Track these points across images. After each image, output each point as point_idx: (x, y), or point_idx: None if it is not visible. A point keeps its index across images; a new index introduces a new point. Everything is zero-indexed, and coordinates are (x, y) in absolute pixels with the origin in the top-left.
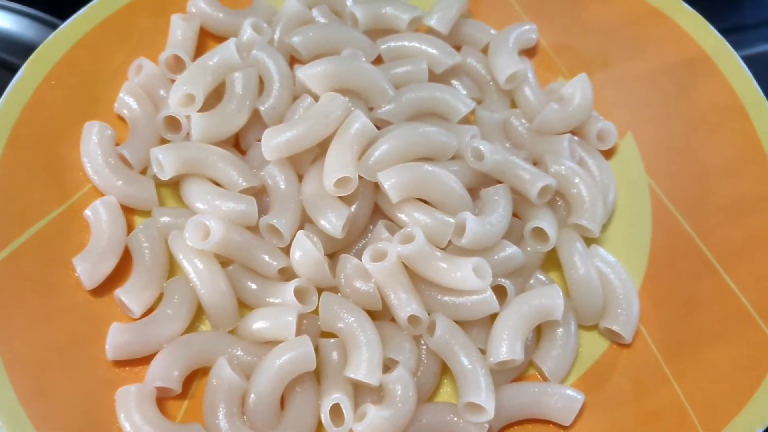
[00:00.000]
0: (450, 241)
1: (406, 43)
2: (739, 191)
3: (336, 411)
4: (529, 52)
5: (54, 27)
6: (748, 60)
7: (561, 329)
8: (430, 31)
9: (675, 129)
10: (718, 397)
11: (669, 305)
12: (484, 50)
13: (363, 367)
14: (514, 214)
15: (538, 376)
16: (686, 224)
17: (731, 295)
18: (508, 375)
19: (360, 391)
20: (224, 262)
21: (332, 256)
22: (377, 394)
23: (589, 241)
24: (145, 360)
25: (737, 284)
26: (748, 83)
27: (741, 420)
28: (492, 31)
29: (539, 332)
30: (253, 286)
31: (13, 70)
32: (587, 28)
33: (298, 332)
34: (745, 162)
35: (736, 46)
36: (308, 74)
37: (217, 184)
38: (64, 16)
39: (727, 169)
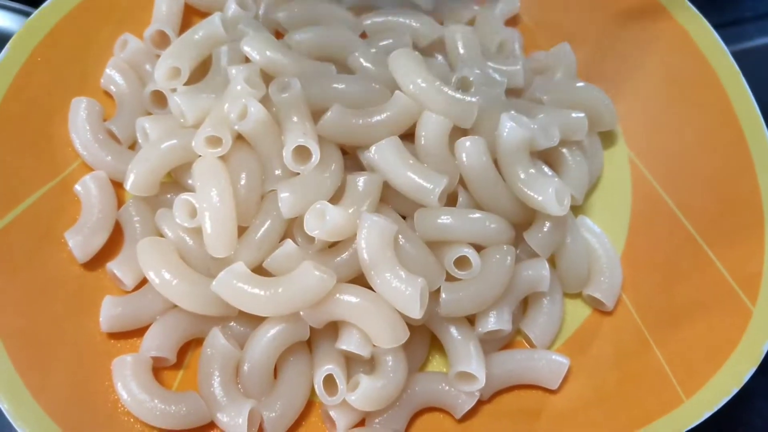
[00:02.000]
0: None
1: (390, 18)
2: (715, 163)
3: (329, 381)
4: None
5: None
6: (747, 53)
7: (547, 298)
8: (414, 6)
9: (654, 103)
10: (695, 360)
11: (649, 273)
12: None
13: (354, 339)
14: None
15: (525, 343)
16: (665, 195)
17: (708, 263)
18: (496, 344)
19: (351, 363)
20: None
21: None
22: (369, 365)
23: (574, 211)
24: (140, 332)
25: (714, 252)
26: (723, 56)
27: (718, 380)
28: (474, 6)
29: (526, 300)
30: None
31: None
32: (568, 4)
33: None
34: (721, 134)
35: (736, 39)
36: (295, 40)
37: None
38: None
39: (704, 142)
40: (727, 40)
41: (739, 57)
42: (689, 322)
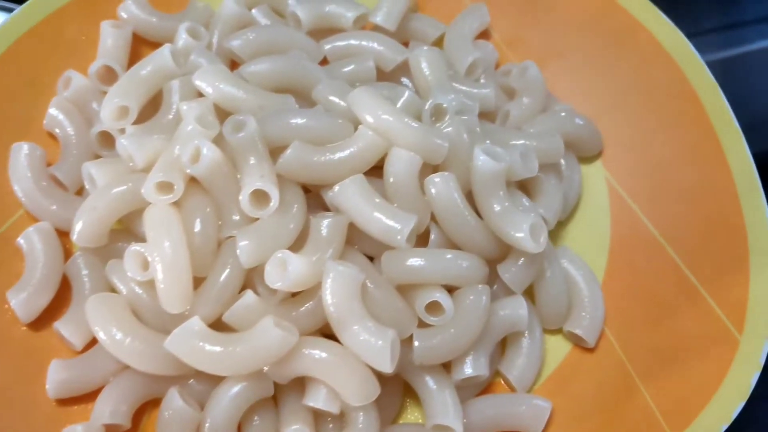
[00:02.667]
0: None
1: (352, 42)
2: (695, 181)
3: None
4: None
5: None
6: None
7: (526, 337)
8: (377, 28)
9: (630, 120)
10: (682, 395)
11: (631, 303)
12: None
13: (322, 395)
14: None
15: (504, 384)
16: (645, 218)
17: (692, 290)
18: (474, 389)
19: (320, 418)
20: None
21: None
22: (338, 420)
23: (553, 237)
24: (91, 396)
25: (698, 279)
26: (701, 72)
27: (706, 416)
28: (440, 26)
29: (504, 339)
30: None
31: None
32: (539, 20)
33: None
34: (700, 151)
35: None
36: (251, 71)
37: None
38: None
39: (683, 159)
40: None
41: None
42: (674, 355)
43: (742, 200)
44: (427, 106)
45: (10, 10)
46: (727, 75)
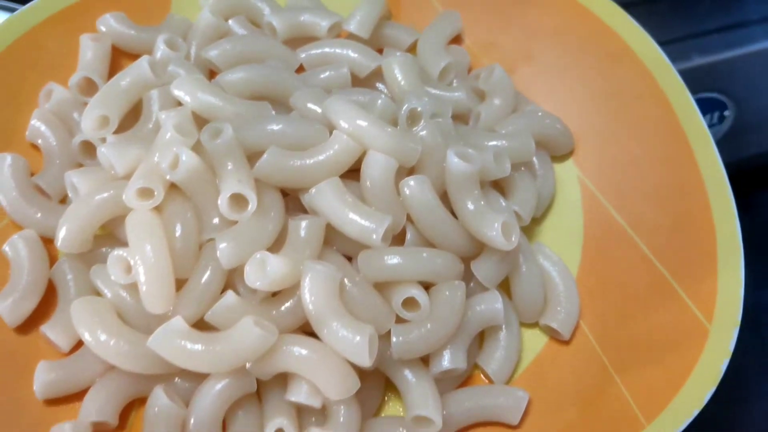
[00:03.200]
0: None
1: (327, 50)
2: (664, 178)
3: None
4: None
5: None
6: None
7: (503, 330)
8: (351, 36)
9: (601, 121)
10: (655, 384)
11: (604, 296)
12: (410, 51)
13: (304, 390)
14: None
15: (483, 377)
16: (616, 214)
17: (664, 284)
18: (453, 381)
19: (303, 413)
20: None
21: None
22: (321, 414)
23: (529, 235)
24: (79, 395)
25: (669, 272)
26: (668, 72)
27: (678, 402)
28: (414, 32)
29: (481, 332)
30: None
31: None
32: (510, 24)
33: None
34: (669, 150)
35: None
36: (227, 80)
37: None
38: None
39: (653, 158)
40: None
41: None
42: (647, 346)
43: (710, 196)
44: (402, 111)
45: (11, 10)
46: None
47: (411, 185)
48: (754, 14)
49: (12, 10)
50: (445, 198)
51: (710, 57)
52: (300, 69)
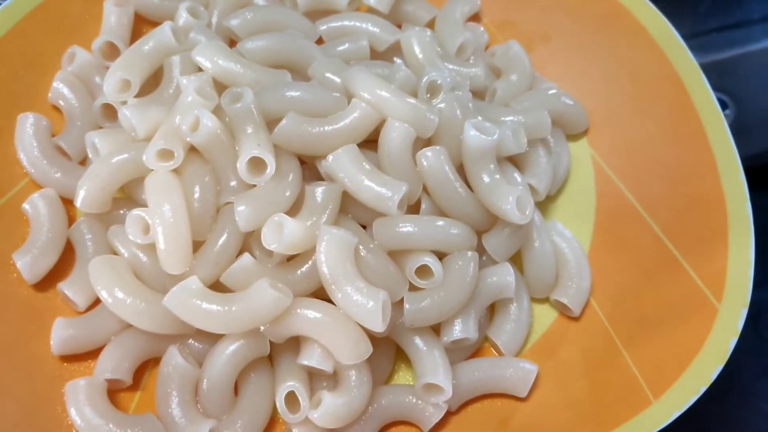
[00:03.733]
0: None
1: (346, 23)
2: (677, 159)
3: (291, 398)
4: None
5: None
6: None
7: (514, 304)
8: (371, 10)
9: (615, 101)
10: (663, 360)
11: (615, 274)
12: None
13: (316, 354)
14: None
15: (493, 349)
16: (629, 194)
17: (674, 262)
18: (463, 352)
19: (315, 378)
20: None
21: None
22: (332, 379)
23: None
24: (94, 353)
25: (679, 251)
26: (682, 54)
27: (685, 379)
28: (433, 9)
29: (493, 306)
30: None
31: None
32: (527, 4)
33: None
34: (682, 131)
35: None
36: (248, 48)
37: None
38: None
39: (665, 138)
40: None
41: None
42: (656, 323)
43: (722, 176)
44: (422, 82)
45: None
46: (731, 74)
47: (428, 156)
48: (755, 14)
49: None
50: (461, 170)
51: (710, 56)
52: (319, 41)
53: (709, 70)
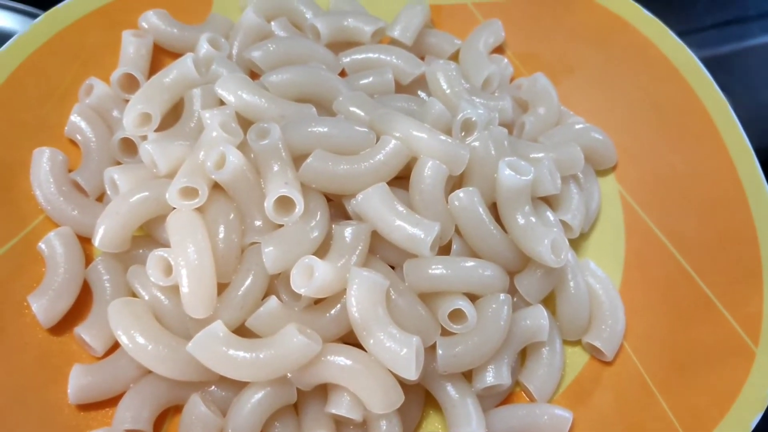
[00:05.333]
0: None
1: (370, 55)
2: (707, 195)
3: None
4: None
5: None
6: (751, 51)
7: (546, 347)
8: (394, 42)
9: (641, 135)
10: (701, 406)
11: (647, 315)
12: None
13: (345, 403)
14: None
15: (524, 394)
16: (658, 231)
17: (708, 303)
18: (495, 399)
19: (341, 426)
20: None
21: None
22: (360, 428)
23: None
24: (112, 401)
25: (713, 291)
26: (709, 87)
27: (725, 426)
28: (456, 41)
29: (523, 350)
30: None
31: None
32: (549, 36)
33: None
34: (710, 165)
35: (739, 37)
36: (272, 81)
37: None
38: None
39: (694, 173)
40: (731, 38)
41: (743, 55)
42: (692, 367)
43: (754, 214)
44: (457, 120)
45: (11, 9)
46: (728, 71)
47: (461, 197)
48: (752, 10)
49: (13, 9)
50: (492, 209)
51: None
52: (342, 74)
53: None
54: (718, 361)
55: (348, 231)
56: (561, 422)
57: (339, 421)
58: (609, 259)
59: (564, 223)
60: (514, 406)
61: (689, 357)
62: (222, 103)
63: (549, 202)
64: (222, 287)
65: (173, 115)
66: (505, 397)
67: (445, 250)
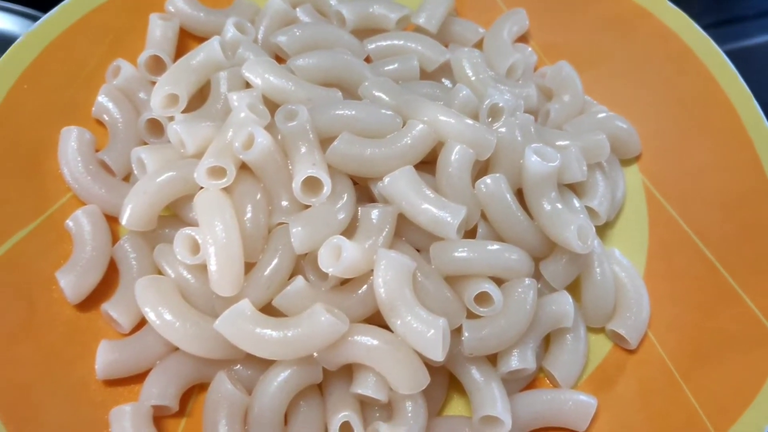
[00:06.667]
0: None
1: (395, 42)
2: (731, 187)
3: (345, 429)
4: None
5: (34, 19)
6: (749, 51)
7: (571, 333)
8: (418, 29)
9: (664, 126)
10: (725, 394)
11: (669, 304)
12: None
13: (371, 383)
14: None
15: (547, 380)
16: (682, 221)
17: (731, 293)
18: (519, 383)
19: (365, 407)
20: None
21: None
22: (385, 410)
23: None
24: (139, 378)
25: (736, 280)
26: (733, 79)
27: (750, 415)
28: (480, 29)
29: (547, 335)
30: None
31: None
32: (573, 27)
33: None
34: (735, 157)
35: (738, 36)
36: (299, 65)
37: None
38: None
39: (718, 165)
40: (729, 38)
41: (741, 54)
42: (716, 355)
43: None
44: (484, 105)
45: (10, 11)
46: None
47: (488, 183)
48: (750, 10)
49: (11, 11)
50: (518, 195)
51: None
52: (366, 60)
53: None
54: (743, 350)
55: (375, 213)
56: (586, 408)
57: (364, 402)
58: (632, 249)
59: (590, 210)
60: (539, 391)
61: (713, 346)
62: (248, 86)
63: (575, 189)
64: (249, 267)
65: (198, 99)
66: (529, 382)
67: (470, 235)
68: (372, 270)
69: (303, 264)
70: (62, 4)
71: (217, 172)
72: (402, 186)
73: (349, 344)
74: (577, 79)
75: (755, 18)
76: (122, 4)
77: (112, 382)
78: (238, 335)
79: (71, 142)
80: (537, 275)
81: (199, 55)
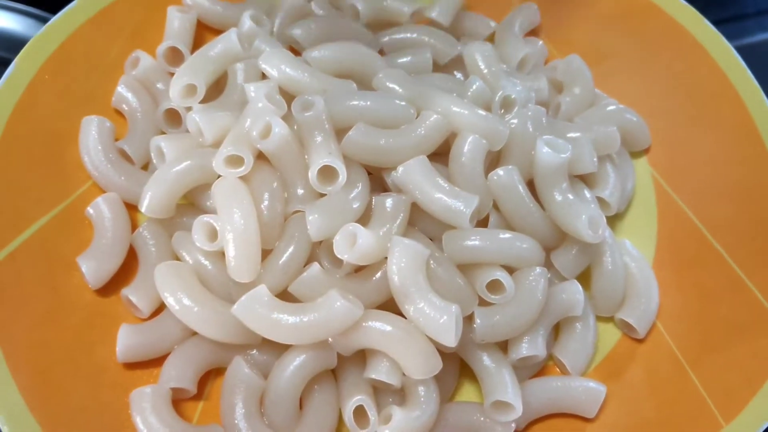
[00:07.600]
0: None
1: (408, 35)
2: (740, 180)
3: (359, 413)
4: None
5: (46, 22)
6: (748, 49)
7: (580, 322)
8: (431, 23)
9: (674, 120)
10: (732, 383)
11: (678, 294)
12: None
13: (384, 368)
14: None
15: (557, 368)
16: (691, 213)
17: (739, 282)
18: (529, 370)
19: (379, 392)
20: None
21: None
22: (397, 395)
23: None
24: (157, 361)
25: (744, 271)
26: (743, 74)
27: (757, 403)
28: (491, 23)
29: (557, 324)
30: None
31: (5, 65)
32: (583, 22)
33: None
34: (744, 151)
35: (737, 34)
36: (314, 57)
37: None
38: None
39: (727, 158)
40: (729, 36)
41: (741, 52)
42: (723, 345)
43: None
44: (497, 97)
45: (11, 9)
46: None
47: (501, 175)
48: (749, 8)
49: (12, 9)
50: (530, 185)
51: None
52: (380, 53)
53: None
54: (750, 339)
55: (389, 201)
56: (595, 395)
57: (377, 387)
58: (641, 240)
59: (601, 201)
60: (549, 378)
61: (721, 335)
62: (264, 77)
63: (585, 181)
64: (265, 254)
65: (214, 90)
66: (539, 370)
67: (481, 225)
68: (386, 257)
69: (318, 251)
70: None
71: (235, 160)
72: (415, 175)
73: (363, 330)
74: (588, 72)
75: (754, 16)
76: None
77: (132, 365)
78: (254, 320)
79: (92, 131)
80: (548, 265)
81: (217, 47)
